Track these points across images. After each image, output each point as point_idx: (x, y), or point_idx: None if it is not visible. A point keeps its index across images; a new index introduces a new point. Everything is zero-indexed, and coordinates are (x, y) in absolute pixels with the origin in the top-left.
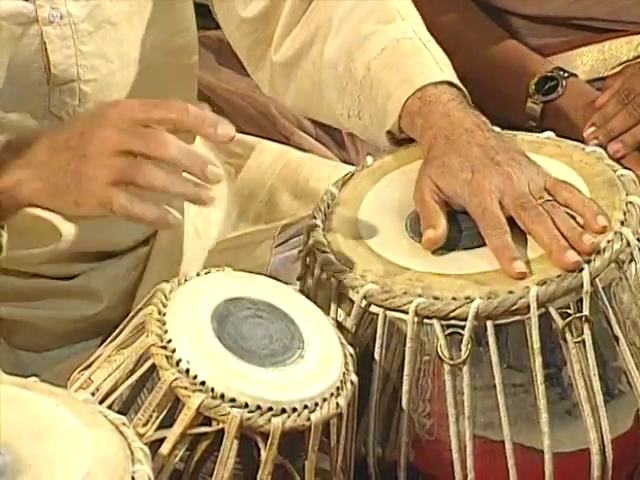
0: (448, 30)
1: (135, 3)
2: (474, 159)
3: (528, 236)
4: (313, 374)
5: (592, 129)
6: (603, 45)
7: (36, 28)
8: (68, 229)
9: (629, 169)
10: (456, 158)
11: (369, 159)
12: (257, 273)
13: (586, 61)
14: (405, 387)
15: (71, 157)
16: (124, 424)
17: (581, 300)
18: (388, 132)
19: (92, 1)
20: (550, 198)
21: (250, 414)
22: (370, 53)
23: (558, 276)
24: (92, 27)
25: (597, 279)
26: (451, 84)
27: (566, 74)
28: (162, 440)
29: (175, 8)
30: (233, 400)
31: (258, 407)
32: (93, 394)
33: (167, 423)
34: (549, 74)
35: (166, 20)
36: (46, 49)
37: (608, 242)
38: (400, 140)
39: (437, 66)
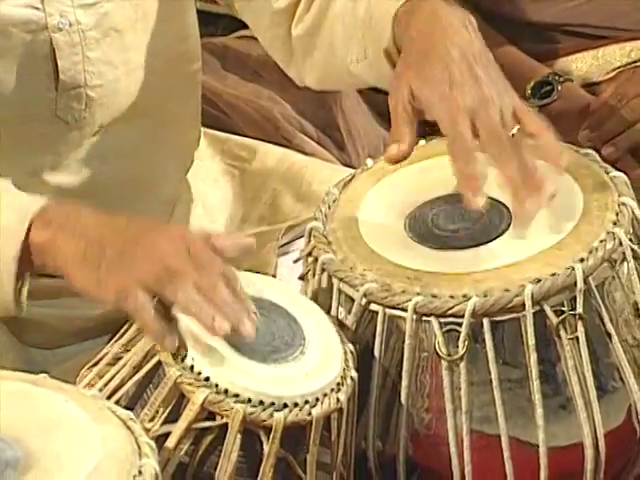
0: None
1: (140, 11)
2: (454, 68)
3: (526, 233)
4: (314, 370)
5: (586, 132)
6: (597, 51)
7: (45, 35)
8: None
9: (622, 171)
10: (436, 65)
11: (369, 161)
12: (261, 273)
13: (581, 66)
14: (404, 383)
15: (121, 245)
16: (131, 419)
17: (575, 298)
18: (388, 56)
19: (99, 9)
20: (518, 127)
21: (253, 409)
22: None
23: (552, 274)
24: (99, 34)
25: (590, 278)
26: None
27: (561, 79)
28: (168, 434)
29: (178, 16)
30: (237, 395)
31: (261, 402)
32: (101, 390)
33: (172, 418)
34: (545, 79)
35: (169, 28)
36: (55, 56)
37: (601, 242)
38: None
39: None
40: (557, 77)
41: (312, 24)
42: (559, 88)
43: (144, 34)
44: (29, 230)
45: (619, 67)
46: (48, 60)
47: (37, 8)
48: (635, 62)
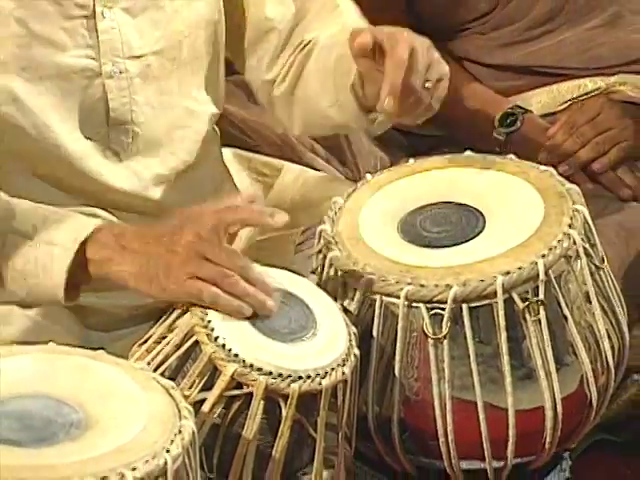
0: None
1: (175, 63)
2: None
3: (498, 234)
4: (324, 348)
5: (545, 153)
6: (552, 87)
7: (100, 81)
8: None
9: (576, 184)
10: None
11: (368, 176)
12: (280, 268)
13: (539, 100)
14: (397, 357)
15: (163, 251)
16: (173, 388)
17: (537, 287)
18: (354, 91)
19: (144, 61)
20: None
21: (273, 380)
22: (334, 46)
23: (519, 268)
24: (142, 81)
25: (550, 271)
26: None
27: (523, 111)
28: (203, 401)
29: (208, 67)
30: (260, 369)
31: (280, 374)
32: (148, 364)
33: (207, 387)
34: (510, 111)
35: (199, 77)
36: (107, 97)
37: (559, 241)
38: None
39: None
40: (520, 109)
41: (289, 85)
42: (522, 118)
43: (178, 81)
44: (84, 246)
45: (570, 99)
46: (101, 101)
47: (94, 59)
48: (583, 95)
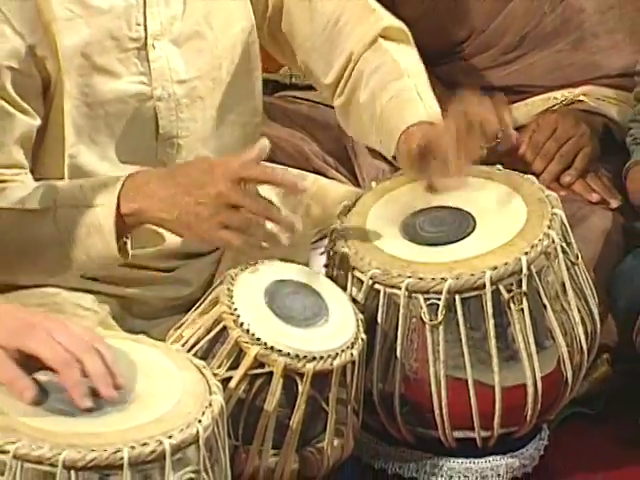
0: None
1: (217, 82)
2: None
3: (486, 234)
4: (335, 333)
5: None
6: (526, 102)
7: (151, 103)
8: (170, 235)
9: (555, 190)
10: None
11: (373, 184)
12: (298, 263)
13: (516, 114)
14: (399, 341)
15: (192, 202)
16: (204, 367)
17: (521, 280)
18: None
19: (190, 84)
20: None
21: (291, 360)
22: (383, 100)
23: (505, 263)
24: (188, 101)
25: (532, 266)
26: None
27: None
28: (230, 378)
29: (247, 85)
30: (279, 351)
31: (297, 356)
32: (183, 345)
33: (233, 366)
34: None
35: (239, 92)
36: (157, 117)
37: (539, 240)
38: None
39: (425, 111)
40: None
41: (345, 101)
42: (500, 134)
43: (220, 98)
44: (119, 204)
45: (542, 111)
46: (152, 120)
47: (146, 84)
48: (552, 106)
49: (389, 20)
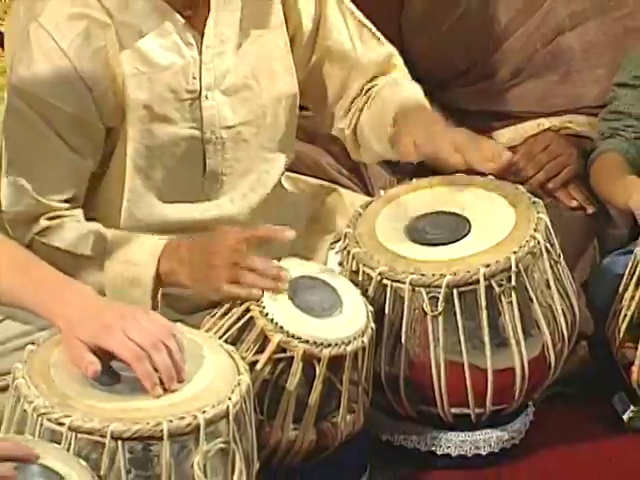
0: None
1: (260, 128)
2: None
3: (480, 236)
4: (348, 323)
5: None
6: (518, 126)
7: (200, 145)
8: None
9: (540, 198)
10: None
11: (381, 192)
12: (317, 262)
13: (508, 136)
14: (403, 329)
15: (205, 260)
16: (233, 351)
17: (510, 276)
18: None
19: (235, 129)
20: None
21: (310, 347)
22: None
23: (497, 261)
24: (233, 144)
25: (520, 264)
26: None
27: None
28: (256, 362)
29: (285, 129)
30: (299, 338)
31: (314, 342)
32: (215, 333)
33: (259, 351)
34: None
35: (278, 137)
36: (205, 157)
37: (527, 241)
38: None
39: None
40: None
41: (352, 129)
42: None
43: (262, 141)
44: (159, 262)
45: (530, 136)
46: (200, 159)
47: (197, 129)
48: (541, 131)
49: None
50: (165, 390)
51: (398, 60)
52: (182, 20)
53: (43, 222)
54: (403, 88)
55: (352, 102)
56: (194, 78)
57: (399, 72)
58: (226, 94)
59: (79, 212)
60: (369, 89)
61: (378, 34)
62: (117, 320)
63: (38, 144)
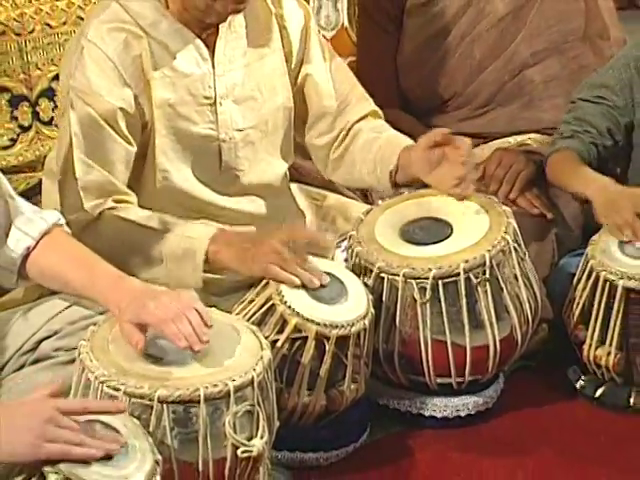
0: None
1: (264, 133)
2: None
3: (460, 237)
4: (352, 308)
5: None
6: (489, 144)
7: (217, 143)
8: None
9: (509, 207)
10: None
11: (380, 201)
12: (326, 259)
13: (481, 153)
14: (398, 314)
15: (252, 246)
16: (257, 331)
17: (485, 270)
18: (390, 174)
19: (244, 132)
20: None
21: (321, 328)
22: (380, 142)
23: (474, 258)
24: (243, 144)
25: (493, 260)
26: None
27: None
28: (277, 340)
29: (283, 136)
30: (312, 321)
31: (325, 324)
32: (243, 316)
33: (279, 332)
34: None
35: (278, 142)
36: (221, 154)
37: (498, 242)
38: (396, 183)
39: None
40: None
41: (340, 154)
42: None
43: (266, 144)
44: (210, 240)
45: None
46: (217, 155)
47: (214, 130)
48: (494, 151)
49: (374, 106)
50: (192, 350)
51: (368, 102)
52: (198, 39)
53: (111, 203)
54: (396, 135)
55: (333, 122)
56: (209, 87)
57: (375, 117)
58: (236, 103)
59: (135, 200)
60: (351, 127)
61: (355, 79)
62: (150, 300)
63: (95, 132)
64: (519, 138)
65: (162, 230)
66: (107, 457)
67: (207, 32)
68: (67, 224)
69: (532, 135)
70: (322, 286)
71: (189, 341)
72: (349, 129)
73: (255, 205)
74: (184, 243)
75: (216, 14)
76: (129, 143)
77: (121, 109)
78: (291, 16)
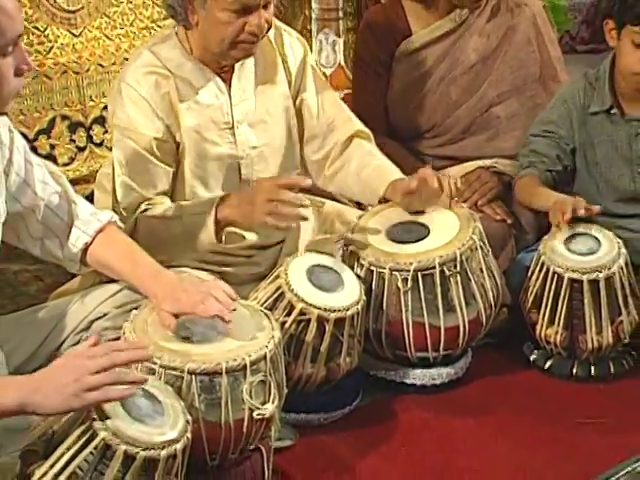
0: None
1: (273, 149)
2: None
3: (436, 237)
4: (347, 296)
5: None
6: (463, 165)
7: (236, 160)
8: (251, 236)
9: (477, 213)
10: None
11: (370, 208)
12: (326, 254)
13: (454, 171)
14: (385, 300)
15: (250, 201)
16: (269, 315)
17: (456, 264)
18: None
19: (258, 149)
20: None
21: (322, 312)
22: (368, 171)
23: (447, 254)
24: (258, 159)
25: (463, 256)
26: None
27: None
28: (285, 322)
29: (290, 152)
30: (315, 305)
31: (325, 309)
32: (258, 302)
33: (287, 315)
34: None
35: (284, 156)
36: (240, 168)
37: (467, 241)
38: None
39: (397, 173)
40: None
41: (333, 172)
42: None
43: (276, 159)
44: (216, 209)
45: (469, 172)
46: (236, 170)
47: (233, 149)
48: (476, 168)
49: (360, 125)
50: (223, 320)
51: (357, 125)
52: (217, 76)
53: (143, 206)
54: (382, 166)
55: (323, 140)
56: (227, 114)
57: (361, 136)
58: (250, 126)
59: (167, 199)
60: (341, 149)
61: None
62: (182, 293)
63: (136, 159)
64: (488, 162)
65: (178, 215)
66: (146, 416)
67: (224, 70)
68: None
69: (497, 160)
70: (314, 285)
71: (219, 315)
72: (340, 151)
73: None
74: (196, 218)
75: (231, 58)
76: (167, 164)
77: (155, 138)
78: (291, 52)
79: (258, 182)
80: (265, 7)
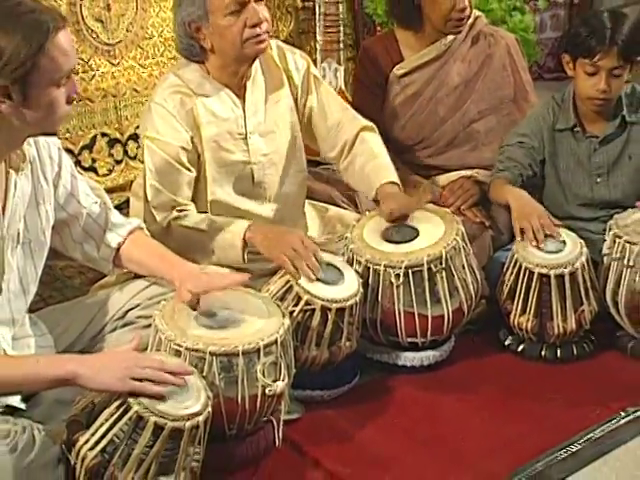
0: None
1: (281, 155)
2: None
3: (424, 238)
4: (347, 288)
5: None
6: (447, 175)
7: (250, 166)
8: None
9: (460, 217)
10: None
11: (367, 212)
12: (329, 253)
13: (440, 180)
14: (380, 293)
15: (275, 237)
16: (280, 305)
17: (442, 262)
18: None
19: (268, 156)
20: None
21: (325, 302)
22: (366, 169)
23: (434, 253)
24: (269, 165)
25: (448, 254)
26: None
27: (433, 186)
28: (293, 311)
29: (297, 157)
30: (319, 297)
31: (328, 300)
32: (269, 294)
33: (295, 305)
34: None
35: (291, 161)
36: (253, 173)
37: (451, 242)
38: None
39: (393, 175)
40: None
41: (345, 168)
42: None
43: (284, 164)
44: (245, 232)
45: (453, 180)
46: (250, 174)
47: (247, 156)
48: (459, 177)
49: (364, 121)
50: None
51: (363, 122)
52: (232, 93)
53: (175, 213)
54: (376, 168)
55: (335, 138)
56: (241, 126)
57: (368, 130)
58: (261, 136)
59: (193, 205)
60: (351, 146)
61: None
62: (203, 275)
63: (164, 166)
64: (469, 172)
65: (211, 230)
66: (173, 392)
67: (238, 87)
68: (148, 230)
69: (477, 170)
70: (318, 280)
71: (232, 285)
72: (350, 148)
73: (276, 211)
74: (227, 235)
75: (247, 58)
76: (189, 170)
77: (182, 147)
78: (294, 67)
79: (294, 230)
80: (257, 0)
